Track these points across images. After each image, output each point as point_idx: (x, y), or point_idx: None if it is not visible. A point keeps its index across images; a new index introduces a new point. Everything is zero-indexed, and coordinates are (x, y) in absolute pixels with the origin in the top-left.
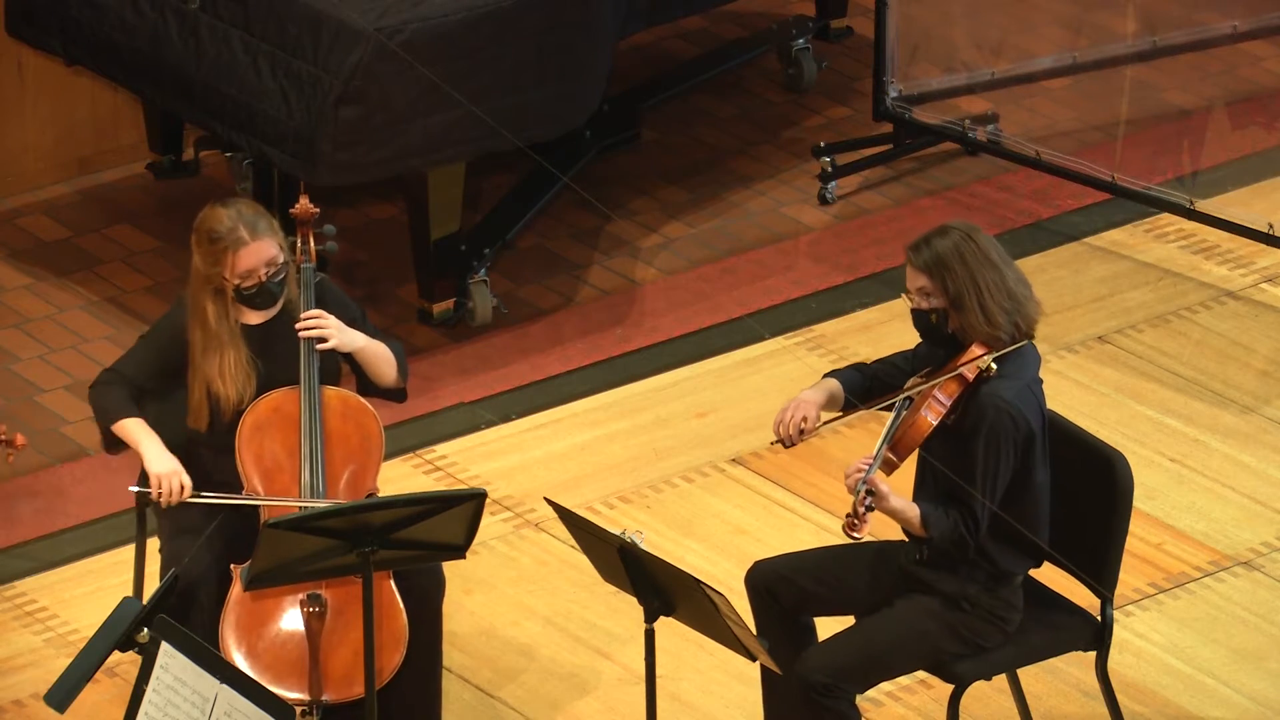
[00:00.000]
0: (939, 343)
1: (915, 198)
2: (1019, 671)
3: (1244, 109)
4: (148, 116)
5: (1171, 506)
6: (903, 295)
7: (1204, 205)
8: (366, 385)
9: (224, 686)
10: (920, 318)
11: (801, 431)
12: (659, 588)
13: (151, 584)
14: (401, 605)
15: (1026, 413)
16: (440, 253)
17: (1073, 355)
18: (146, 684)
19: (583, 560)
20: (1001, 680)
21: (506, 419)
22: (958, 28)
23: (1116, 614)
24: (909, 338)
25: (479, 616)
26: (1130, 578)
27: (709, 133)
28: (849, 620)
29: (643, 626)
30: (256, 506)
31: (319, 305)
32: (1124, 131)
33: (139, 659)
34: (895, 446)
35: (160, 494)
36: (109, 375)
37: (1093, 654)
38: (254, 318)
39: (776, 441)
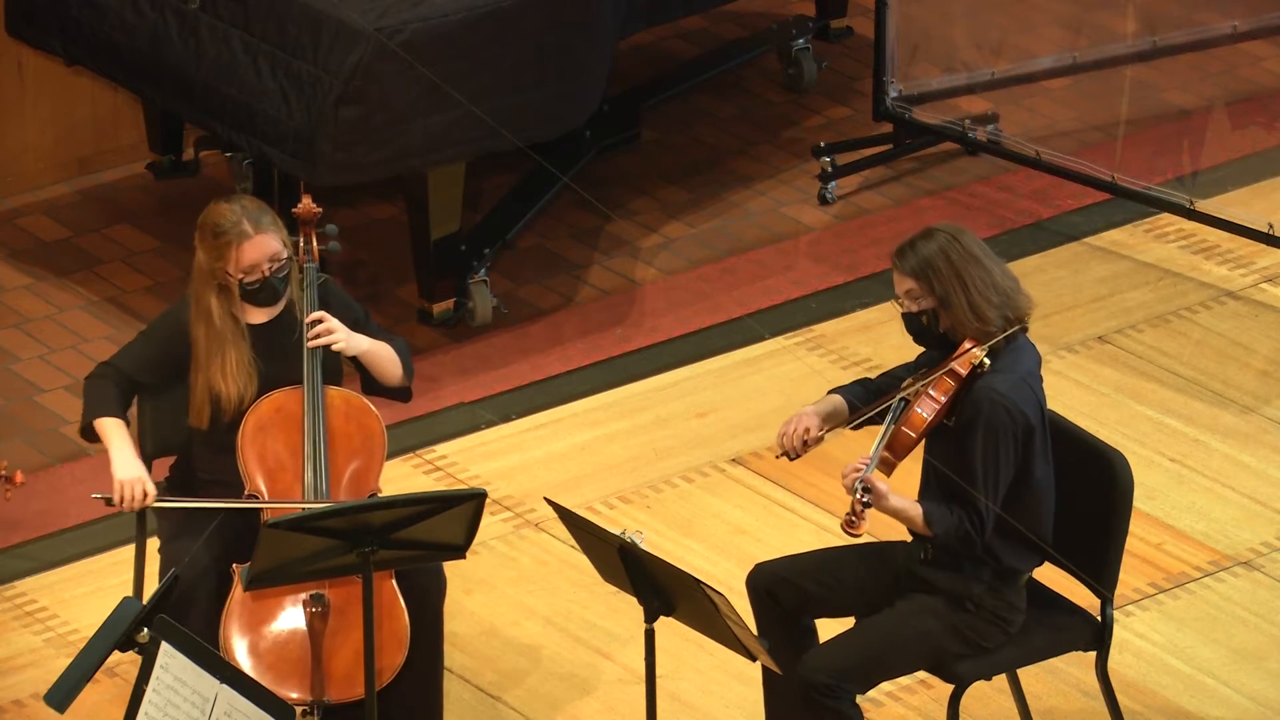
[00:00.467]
0: (932, 344)
1: (915, 198)
2: (1019, 671)
3: (1244, 109)
4: (148, 116)
5: (1171, 506)
6: (893, 302)
7: (1204, 205)
8: (371, 385)
9: (224, 686)
10: (911, 320)
11: (805, 443)
12: (659, 588)
13: (151, 584)
14: (404, 606)
15: (1023, 405)
16: (440, 253)
17: (1073, 355)
18: (146, 684)
19: (583, 560)
20: (1001, 680)
21: (506, 419)
22: (958, 28)
23: (1116, 614)
24: (909, 338)
25: (479, 617)
26: (1130, 578)
27: (709, 133)
28: (850, 621)
29: (643, 626)
30: (245, 510)
31: (322, 306)
32: (1124, 131)
33: (139, 659)
34: (891, 445)
35: (121, 500)
36: (104, 369)
37: (1093, 654)
38: (257, 317)
39: (781, 455)
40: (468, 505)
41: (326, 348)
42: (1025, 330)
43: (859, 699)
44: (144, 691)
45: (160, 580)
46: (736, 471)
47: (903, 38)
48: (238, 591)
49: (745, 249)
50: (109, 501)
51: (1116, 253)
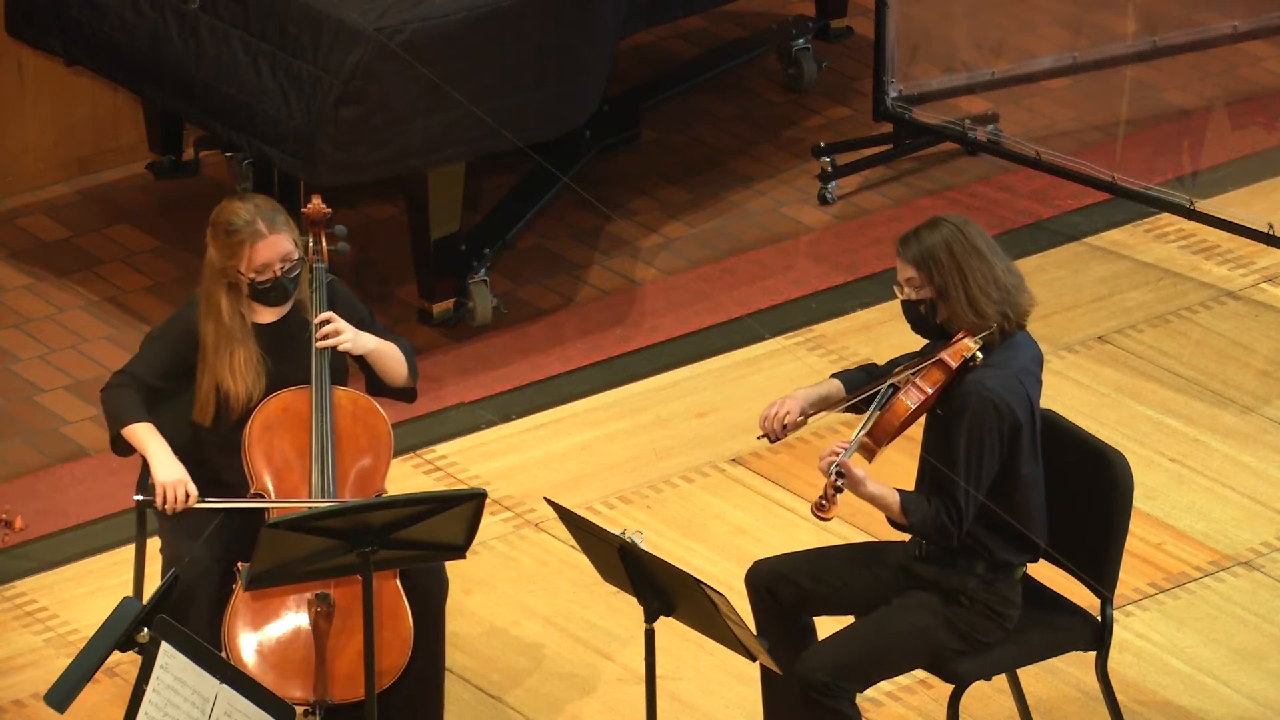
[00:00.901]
0: (928, 333)
1: (915, 198)
2: (1019, 671)
3: (1244, 109)
4: (148, 116)
5: (1171, 506)
6: (894, 288)
7: (1204, 205)
8: (377, 385)
9: (224, 686)
10: (909, 308)
11: (784, 427)
12: (659, 588)
13: (151, 584)
14: (408, 607)
15: (1012, 402)
16: (440, 253)
17: (1073, 355)
18: (146, 684)
19: (583, 560)
20: (1001, 680)
21: (506, 419)
22: (958, 28)
23: (1116, 614)
24: (909, 338)
25: (479, 617)
26: (1130, 578)
27: (709, 133)
28: (849, 620)
29: (643, 626)
30: (248, 510)
31: (329, 306)
32: (1124, 131)
33: (139, 659)
34: (873, 432)
35: (165, 502)
36: (120, 378)
37: (1093, 654)
38: (265, 316)
39: (761, 436)
40: (468, 505)
41: (334, 348)
42: (1023, 329)
43: (859, 699)
44: (144, 691)
45: (160, 580)
46: (736, 471)
47: (903, 38)
48: (240, 590)
49: (745, 249)
50: (149, 504)
51: (1116, 253)
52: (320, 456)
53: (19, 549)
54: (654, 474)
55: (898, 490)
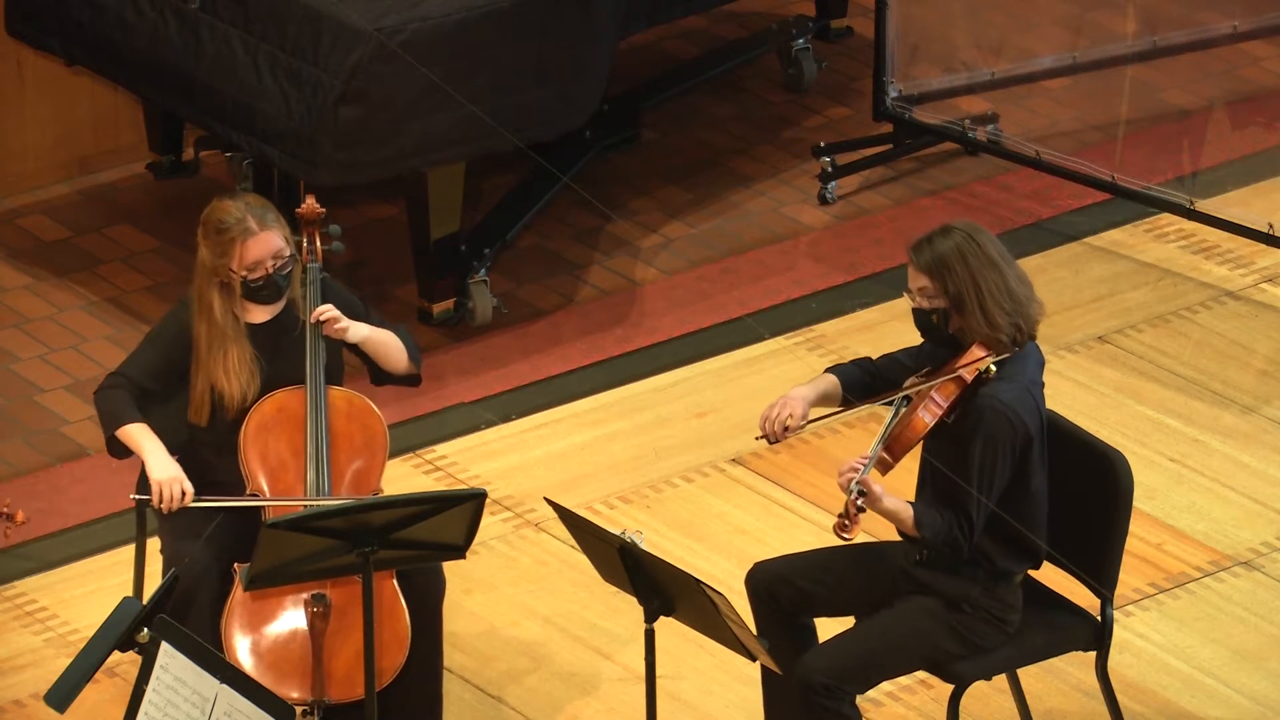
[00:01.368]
0: (939, 342)
1: (915, 198)
2: (1019, 671)
3: (1244, 109)
4: (148, 116)
5: (1171, 506)
6: (904, 293)
7: (1204, 205)
8: (380, 375)
9: (224, 686)
10: (921, 317)
11: (786, 429)
12: (659, 588)
13: (151, 584)
14: (405, 606)
15: (1024, 416)
16: (440, 253)
17: (1073, 355)
18: (146, 684)
19: (583, 560)
20: (1001, 680)
21: (506, 419)
22: (958, 28)
23: (1116, 614)
24: (909, 338)
25: (479, 617)
26: (1130, 578)
27: (709, 133)
28: (849, 621)
29: (643, 626)
30: (247, 510)
31: (323, 302)
32: (1124, 131)
33: (139, 659)
34: (890, 446)
35: (161, 501)
36: (113, 379)
37: (1093, 654)
38: (258, 316)
39: (761, 437)
40: (468, 505)
41: (329, 348)
42: (1033, 339)
43: (859, 699)
44: (144, 691)
45: (160, 580)
46: (736, 471)
47: (903, 38)
48: (239, 591)
49: (745, 249)
50: (146, 503)
51: (1116, 253)
52: (315, 456)
53: (19, 549)
54: (654, 474)
55: (910, 503)
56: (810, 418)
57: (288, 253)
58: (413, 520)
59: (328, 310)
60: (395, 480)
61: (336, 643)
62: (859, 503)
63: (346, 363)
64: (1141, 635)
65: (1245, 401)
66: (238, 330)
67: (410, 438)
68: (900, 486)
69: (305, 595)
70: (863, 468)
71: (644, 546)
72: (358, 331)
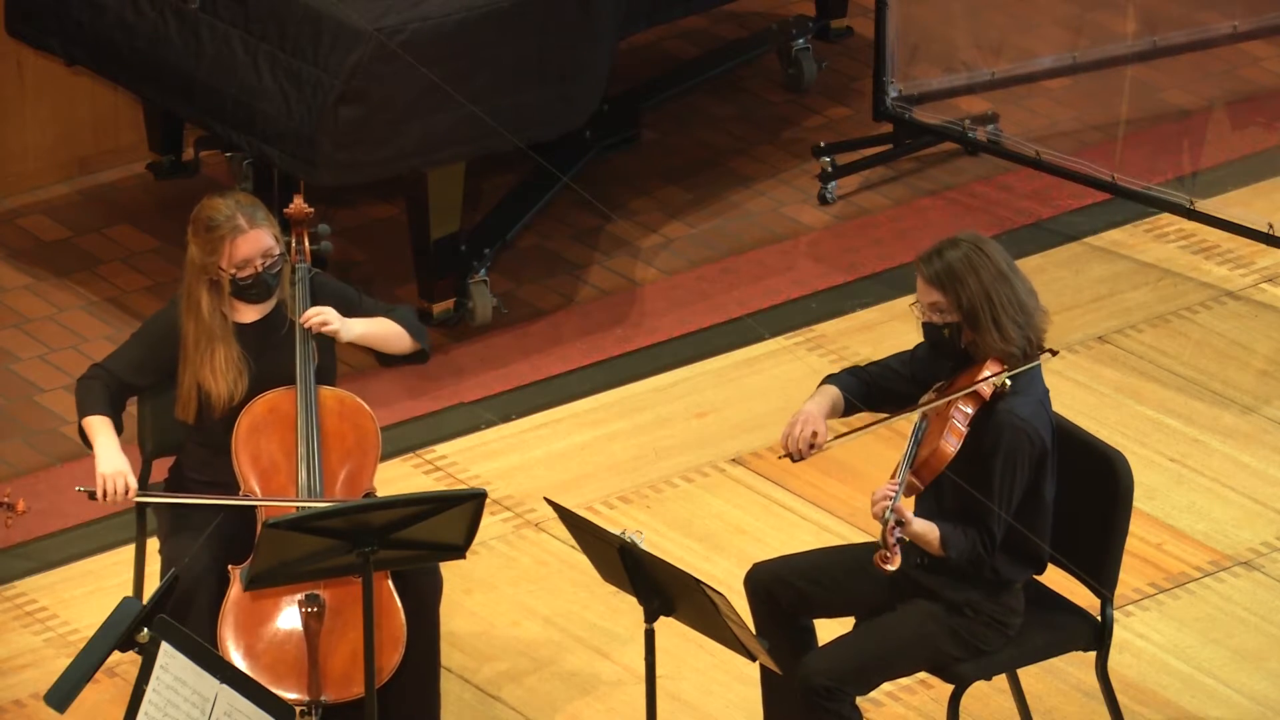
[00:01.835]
0: (950, 356)
1: (915, 198)
2: (1019, 671)
3: (1244, 109)
4: (148, 116)
5: (1171, 506)
6: (911, 306)
7: (1204, 205)
8: (386, 357)
9: (224, 686)
10: (932, 330)
11: (811, 446)
12: (659, 588)
13: (151, 584)
14: (400, 605)
15: (1041, 430)
16: (440, 253)
17: (1073, 355)
18: (146, 684)
19: (583, 560)
20: (1001, 680)
21: (506, 419)
22: (958, 28)
23: (1116, 614)
24: (909, 338)
25: (479, 616)
26: (1130, 578)
27: (709, 133)
28: (849, 622)
29: (643, 626)
30: (244, 511)
31: (314, 301)
32: (1124, 131)
33: (139, 659)
34: (918, 471)
35: (103, 494)
36: (95, 370)
37: (1093, 654)
38: (247, 315)
39: (784, 456)
40: (468, 505)
41: (321, 347)
42: (1042, 350)
43: (859, 699)
44: (144, 691)
45: (160, 580)
46: (736, 471)
47: (903, 38)
48: (233, 592)
49: (745, 249)
50: (92, 495)
51: (1116, 253)
52: (307, 457)
53: (19, 548)
54: (654, 474)
55: (936, 524)
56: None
57: (277, 251)
58: (413, 520)
59: (315, 315)
60: (395, 480)
61: (331, 642)
62: (897, 532)
63: (342, 360)
64: (1141, 635)
65: (1245, 401)
66: (225, 329)
67: (410, 438)
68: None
69: (299, 596)
70: (895, 494)
71: (644, 546)
72: (351, 330)
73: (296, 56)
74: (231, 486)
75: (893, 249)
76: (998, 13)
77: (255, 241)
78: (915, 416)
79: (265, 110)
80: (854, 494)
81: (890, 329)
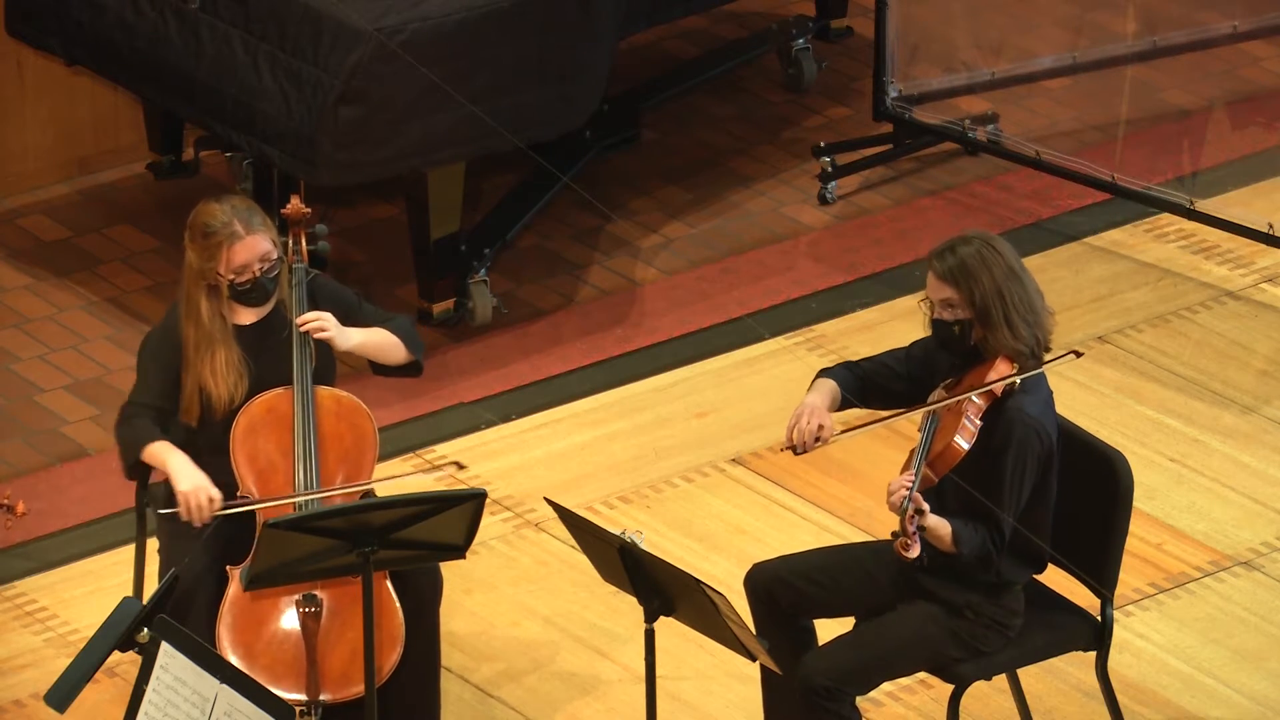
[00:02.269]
0: (959, 353)
1: (915, 198)
2: (1019, 671)
3: (1244, 109)
4: (148, 116)
5: (1171, 506)
6: (920, 302)
7: (1204, 205)
8: (380, 367)
9: (224, 686)
10: (942, 327)
11: (817, 439)
12: (659, 588)
13: (151, 584)
14: (398, 604)
15: (1049, 428)
16: (440, 253)
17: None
18: (146, 684)
19: (583, 560)
20: (1001, 680)
21: (506, 419)
22: (958, 28)
23: (1116, 614)
24: (909, 338)
25: (479, 616)
26: (1130, 578)
27: (709, 133)
28: (848, 622)
29: (643, 626)
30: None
31: (312, 304)
32: (1124, 131)
33: (139, 659)
34: (933, 464)
35: (189, 510)
36: (129, 409)
37: (1093, 654)
38: (246, 317)
39: (788, 448)
40: (468, 505)
41: (319, 348)
42: (1048, 349)
43: (859, 699)
44: (144, 691)
45: (160, 580)
46: (736, 471)
47: (903, 38)
48: (231, 593)
49: (745, 249)
50: (174, 516)
51: (1116, 253)
52: (304, 457)
53: (19, 548)
54: (654, 474)
55: (949, 520)
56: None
57: (275, 255)
58: (413, 520)
59: (313, 321)
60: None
61: (329, 642)
62: (916, 520)
63: (342, 361)
64: (1141, 635)
65: (1245, 401)
66: (225, 332)
67: (410, 438)
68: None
69: (297, 596)
70: (912, 485)
71: (644, 546)
72: (347, 339)
73: (296, 56)
74: (233, 487)
75: (893, 249)
76: (998, 13)
77: (252, 247)
78: (926, 413)
79: (265, 110)
80: (854, 494)
81: (890, 329)
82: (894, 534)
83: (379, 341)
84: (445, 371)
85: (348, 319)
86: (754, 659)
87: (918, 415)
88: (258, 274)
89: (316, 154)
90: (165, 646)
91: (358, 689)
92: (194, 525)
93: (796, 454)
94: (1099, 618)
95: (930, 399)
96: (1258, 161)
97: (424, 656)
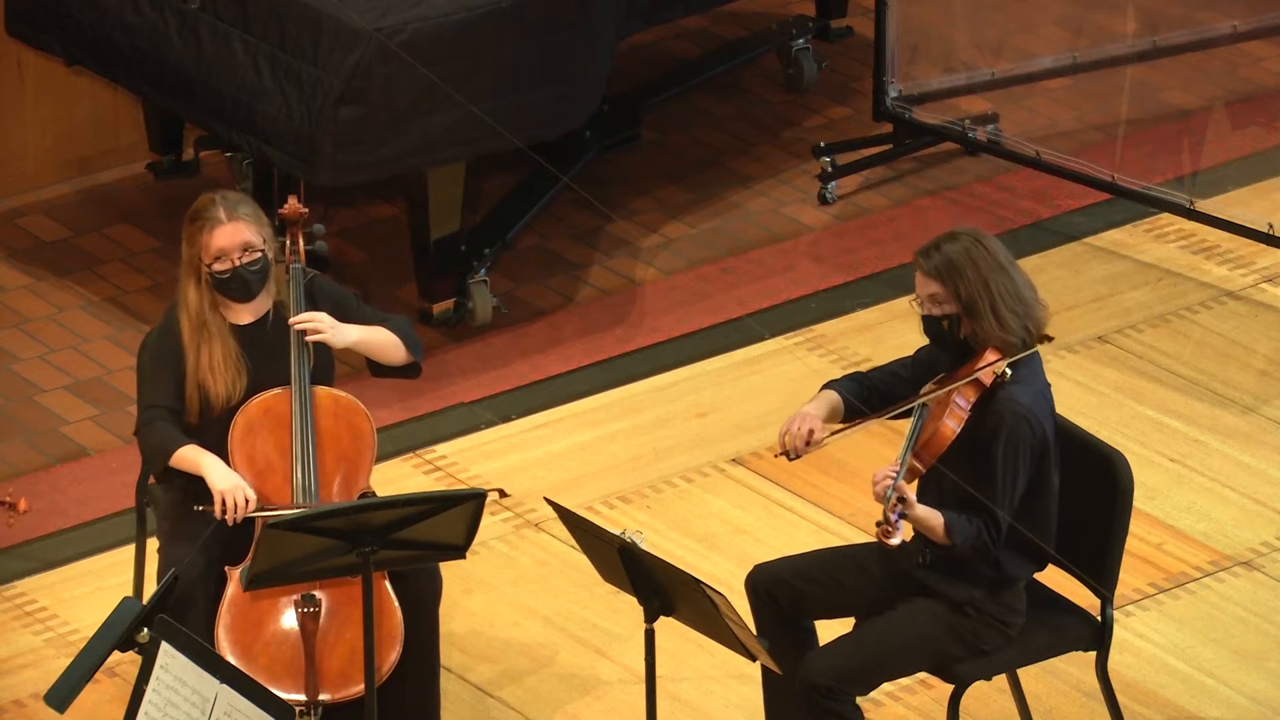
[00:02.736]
0: (949, 348)
1: (915, 198)
2: (1019, 671)
3: (1244, 109)
4: (148, 116)
5: (1171, 506)
6: (911, 302)
7: (1204, 205)
8: (378, 368)
9: (224, 686)
10: (931, 324)
11: (808, 444)
12: (659, 588)
13: (151, 584)
14: (396, 604)
15: (1042, 418)
16: (440, 253)
17: (1073, 355)
18: (146, 684)
19: (583, 560)
20: (1001, 680)
21: (506, 419)
22: (958, 28)
23: (1116, 614)
24: (909, 338)
25: (479, 616)
26: (1130, 578)
27: (709, 133)
28: (849, 622)
29: (643, 626)
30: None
31: (310, 304)
32: (1124, 131)
33: (139, 659)
34: (919, 454)
35: (224, 508)
36: (148, 415)
37: (1093, 654)
38: (242, 316)
39: (781, 454)
40: (468, 505)
41: (318, 348)
42: (1040, 341)
43: (859, 699)
44: (144, 691)
45: (160, 580)
46: (736, 471)
47: (903, 38)
48: (230, 593)
49: (745, 249)
50: (210, 516)
51: (1116, 253)
52: (302, 457)
53: (19, 548)
54: (654, 474)
55: (940, 510)
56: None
57: (259, 249)
58: (413, 520)
59: (307, 321)
60: (395, 480)
61: (328, 641)
62: (899, 509)
63: (341, 360)
64: (1141, 635)
65: (1245, 401)
66: (220, 328)
67: (410, 438)
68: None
69: (295, 596)
70: (896, 475)
71: (644, 546)
72: (345, 336)
73: (296, 56)
74: None
75: (892, 249)
76: (998, 13)
77: (231, 234)
78: (916, 404)
79: (265, 110)
80: (854, 494)
81: (890, 329)
82: (877, 522)
83: (377, 340)
84: (445, 371)
85: (345, 320)
86: (754, 659)
87: (916, 406)
88: (237, 263)
89: (316, 154)
90: (165, 646)
91: (356, 688)
92: (227, 524)
93: (790, 459)
94: (1099, 618)
95: (922, 392)
96: (1258, 161)
97: (423, 656)
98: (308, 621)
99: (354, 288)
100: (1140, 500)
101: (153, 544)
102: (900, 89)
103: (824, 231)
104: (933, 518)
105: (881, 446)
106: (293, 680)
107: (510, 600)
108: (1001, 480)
